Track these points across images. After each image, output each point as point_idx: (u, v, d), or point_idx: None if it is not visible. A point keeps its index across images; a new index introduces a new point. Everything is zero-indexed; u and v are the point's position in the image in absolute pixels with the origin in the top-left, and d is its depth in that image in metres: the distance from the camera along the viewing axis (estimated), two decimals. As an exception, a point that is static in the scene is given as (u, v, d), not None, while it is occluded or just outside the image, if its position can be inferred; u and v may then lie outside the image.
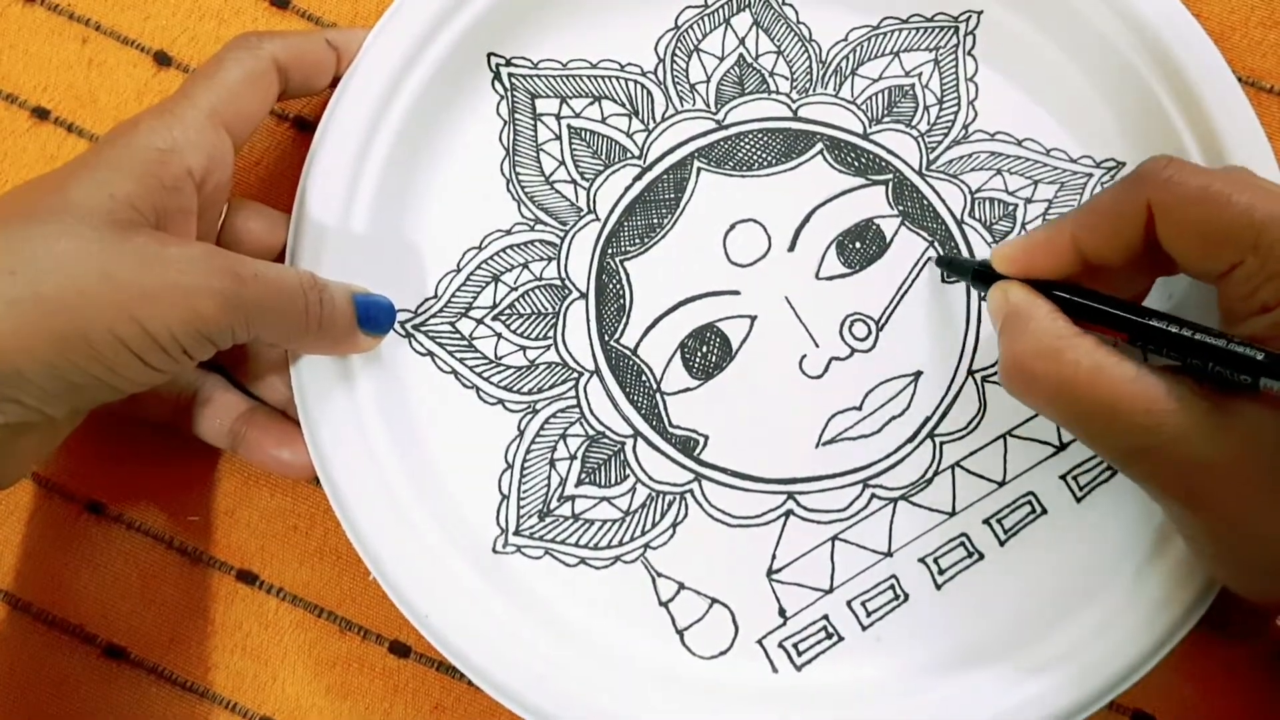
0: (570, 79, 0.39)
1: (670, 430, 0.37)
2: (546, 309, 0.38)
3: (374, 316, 0.35)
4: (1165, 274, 0.34)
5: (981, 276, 0.35)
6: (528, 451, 0.37)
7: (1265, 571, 0.29)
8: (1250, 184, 0.29)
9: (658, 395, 0.37)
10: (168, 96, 0.33)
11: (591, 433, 0.37)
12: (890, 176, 0.39)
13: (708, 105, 0.39)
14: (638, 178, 0.39)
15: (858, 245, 0.38)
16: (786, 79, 0.40)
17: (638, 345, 0.38)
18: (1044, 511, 0.37)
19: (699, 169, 0.39)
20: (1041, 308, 0.32)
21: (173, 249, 0.30)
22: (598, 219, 0.38)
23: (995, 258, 0.34)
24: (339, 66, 0.37)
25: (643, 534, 0.36)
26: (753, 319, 0.38)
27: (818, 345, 0.38)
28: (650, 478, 0.37)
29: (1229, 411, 0.28)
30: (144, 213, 0.30)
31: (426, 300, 0.38)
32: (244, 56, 0.34)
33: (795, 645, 0.36)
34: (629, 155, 0.39)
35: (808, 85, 0.40)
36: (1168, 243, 0.30)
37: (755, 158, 0.39)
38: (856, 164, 0.39)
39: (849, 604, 0.36)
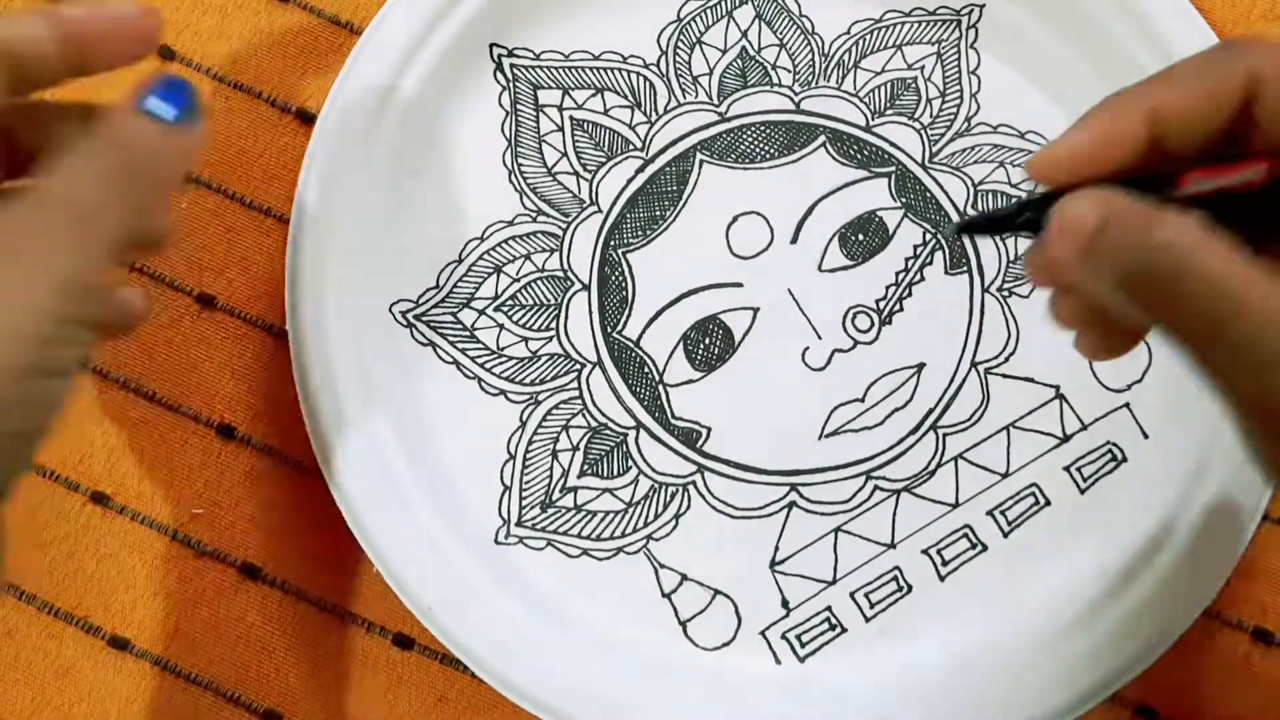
0: (573, 70, 0.39)
1: (673, 422, 0.37)
2: (549, 300, 0.38)
3: (163, 96, 0.27)
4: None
5: (1030, 209, 0.26)
6: (530, 443, 0.37)
7: None
8: None
9: (660, 387, 0.37)
10: None
11: (594, 424, 0.37)
12: (893, 169, 0.39)
13: (710, 97, 0.39)
14: (640, 170, 0.39)
15: (860, 237, 0.38)
16: (789, 72, 0.40)
17: (640, 337, 0.38)
18: (1047, 503, 0.37)
19: (701, 161, 0.39)
20: (1144, 208, 0.24)
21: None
22: (600, 211, 0.38)
23: (1036, 165, 0.26)
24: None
25: (645, 525, 0.36)
26: (755, 311, 0.38)
27: (820, 337, 0.38)
28: (653, 469, 0.37)
29: None
30: None
31: (428, 290, 0.38)
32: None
33: (798, 637, 0.36)
34: (631, 147, 0.39)
35: (810, 78, 0.40)
36: (1271, 120, 0.25)
37: (758, 150, 0.39)
38: (859, 156, 0.39)
39: (852, 595, 0.36)
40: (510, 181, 0.38)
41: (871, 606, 0.36)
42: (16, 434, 0.25)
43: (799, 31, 0.40)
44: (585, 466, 0.37)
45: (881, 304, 0.38)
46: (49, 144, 0.28)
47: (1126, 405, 0.37)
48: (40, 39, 0.27)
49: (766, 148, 0.39)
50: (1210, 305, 0.23)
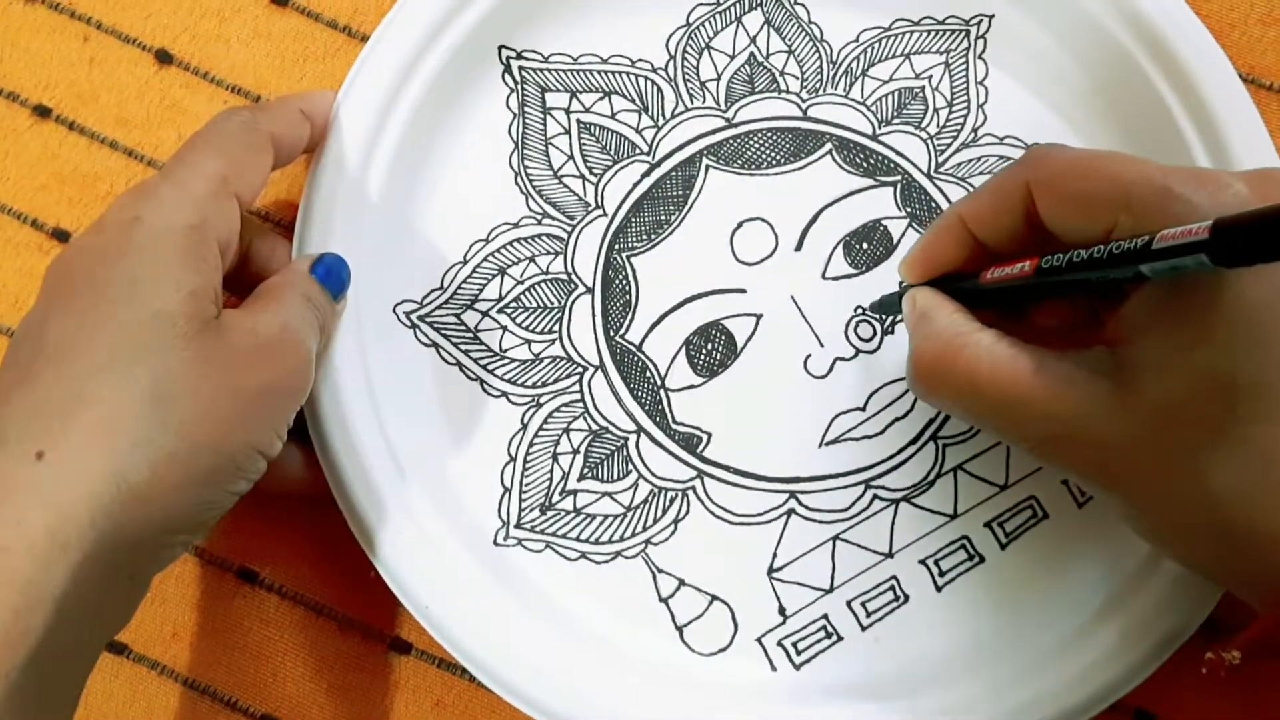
0: (581, 73, 0.39)
1: (673, 427, 0.37)
2: (552, 303, 0.38)
3: (334, 277, 0.35)
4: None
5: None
6: (531, 445, 0.37)
7: (1201, 535, 0.29)
8: (1120, 156, 0.29)
9: (662, 391, 0.37)
10: (174, 163, 0.32)
11: (595, 428, 0.37)
12: (899, 178, 0.39)
13: (718, 103, 0.39)
14: (646, 174, 0.39)
15: (865, 246, 0.38)
16: (797, 78, 0.40)
17: (643, 341, 0.38)
18: (1045, 516, 0.37)
19: (708, 166, 0.39)
20: (944, 306, 0.32)
21: (261, 327, 0.31)
22: (605, 214, 0.38)
23: (901, 267, 0.34)
24: (313, 134, 0.36)
25: (644, 530, 0.36)
26: (758, 317, 0.38)
27: (823, 345, 0.38)
28: (652, 474, 0.37)
29: (1130, 388, 0.28)
30: (216, 296, 0.30)
31: (432, 291, 0.38)
32: (240, 131, 0.33)
33: (794, 644, 0.36)
34: (638, 151, 0.39)
35: (818, 85, 0.40)
36: (1046, 216, 0.30)
37: (764, 156, 0.39)
38: (865, 165, 0.39)
39: (849, 604, 0.36)
40: (516, 184, 0.38)
41: (868, 615, 0.36)
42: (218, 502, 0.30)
43: (807, 38, 0.40)
44: (585, 470, 0.37)
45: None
46: (254, 266, 0.35)
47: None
48: (304, 137, 0.35)
49: (773, 154, 0.39)
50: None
